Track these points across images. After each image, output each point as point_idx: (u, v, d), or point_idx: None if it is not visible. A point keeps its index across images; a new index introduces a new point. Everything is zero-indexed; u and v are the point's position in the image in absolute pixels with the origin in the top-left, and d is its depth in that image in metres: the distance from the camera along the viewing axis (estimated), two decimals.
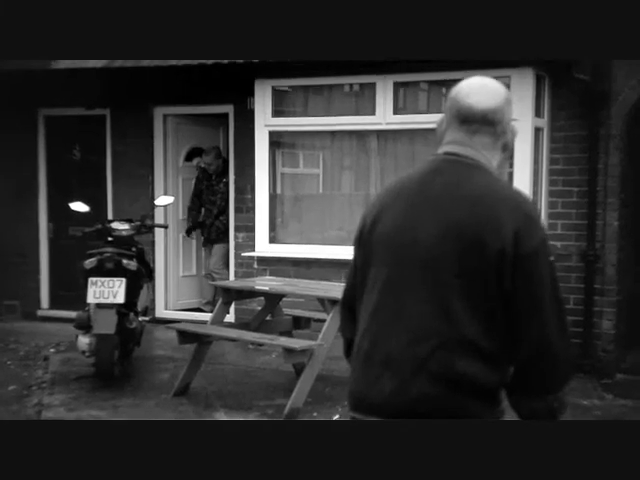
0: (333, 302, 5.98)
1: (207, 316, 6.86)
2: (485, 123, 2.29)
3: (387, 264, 2.27)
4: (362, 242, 2.38)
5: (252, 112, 8.34)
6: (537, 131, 7.47)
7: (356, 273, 2.42)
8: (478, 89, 2.33)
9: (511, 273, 2.12)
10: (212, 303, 8.84)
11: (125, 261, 6.76)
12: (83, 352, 6.68)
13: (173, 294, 9.45)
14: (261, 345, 7.57)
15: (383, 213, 2.32)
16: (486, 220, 2.15)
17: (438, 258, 2.18)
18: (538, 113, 7.47)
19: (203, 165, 9.27)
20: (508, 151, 2.38)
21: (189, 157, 9.56)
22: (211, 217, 9.16)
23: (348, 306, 2.50)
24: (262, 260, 8.32)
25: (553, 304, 2.17)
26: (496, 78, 7.87)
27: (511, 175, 7.46)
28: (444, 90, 8.10)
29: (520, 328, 2.15)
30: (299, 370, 6.42)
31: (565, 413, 2.27)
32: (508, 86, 7.32)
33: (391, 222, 2.28)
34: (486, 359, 2.15)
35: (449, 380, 2.14)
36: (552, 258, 2.21)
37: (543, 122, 7.58)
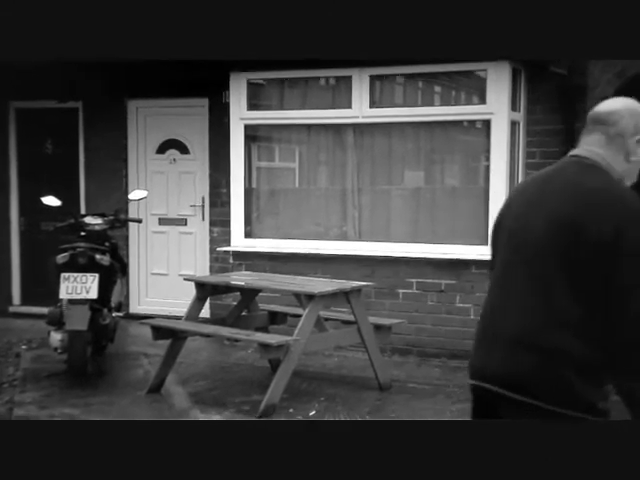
0: (309, 297, 5.93)
1: (182, 312, 6.78)
2: (598, 122, 2.57)
3: (505, 251, 2.59)
4: (494, 234, 2.70)
5: (227, 105, 8.27)
6: (513, 124, 7.46)
7: (492, 263, 2.72)
8: (613, 100, 2.63)
9: (612, 262, 2.31)
10: None
11: (98, 256, 6.67)
12: (55, 349, 6.58)
13: (145, 289, 9.36)
14: (237, 341, 7.51)
15: (509, 207, 2.66)
16: (591, 213, 2.37)
17: (544, 246, 2.43)
18: (514, 106, 7.46)
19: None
20: (635, 163, 2.58)
21: (162, 149, 9.37)
22: None
23: None
24: (238, 255, 8.25)
25: None
26: (472, 71, 7.88)
27: (487, 169, 7.45)
28: (420, 83, 8.07)
29: (619, 310, 2.32)
30: (275, 366, 6.37)
31: None
32: (484, 79, 7.31)
33: (513, 215, 2.61)
34: (587, 338, 2.34)
35: (552, 356, 2.37)
36: None
37: (519, 116, 7.57)
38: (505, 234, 2.60)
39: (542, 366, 2.38)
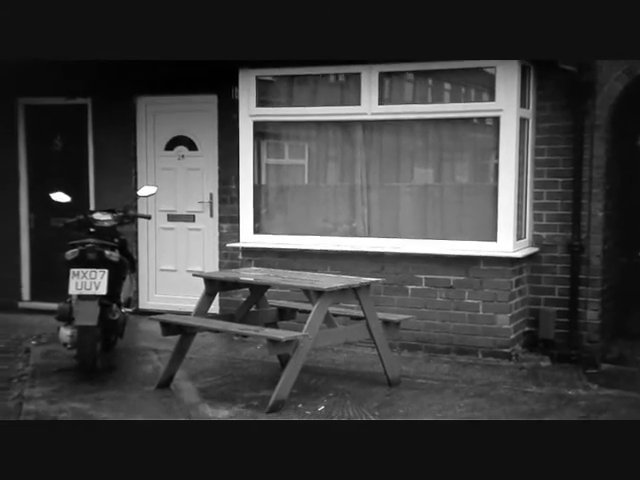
0: (318, 293, 5.94)
1: (191, 307, 6.79)
2: None
3: None
4: None
5: (236, 102, 8.27)
6: (522, 122, 7.45)
7: None
8: None
9: None
10: None
11: (107, 252, 6.68)
12: (65, 344, 6.61)
13: (154, 286, 9.38)
14: (246, 336, 7.52)
15: None
16: None
17: None
18: (523, 104, 7.45)
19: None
20: None
21: (171, 146, 9.38)
22: None
23: None
24: (247, 251, 8.26)
25: None
26: (482, 68, 7.91)
27: (496, 166, 7.44)
28: (430, 81, 8.06)
29: None
30: (284, 361, 6.38)
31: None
32: (494, 76, 7.29)
33: None
34: None
35: None
36: None
37: (528, 113, 7.56)
38: None
39: None
